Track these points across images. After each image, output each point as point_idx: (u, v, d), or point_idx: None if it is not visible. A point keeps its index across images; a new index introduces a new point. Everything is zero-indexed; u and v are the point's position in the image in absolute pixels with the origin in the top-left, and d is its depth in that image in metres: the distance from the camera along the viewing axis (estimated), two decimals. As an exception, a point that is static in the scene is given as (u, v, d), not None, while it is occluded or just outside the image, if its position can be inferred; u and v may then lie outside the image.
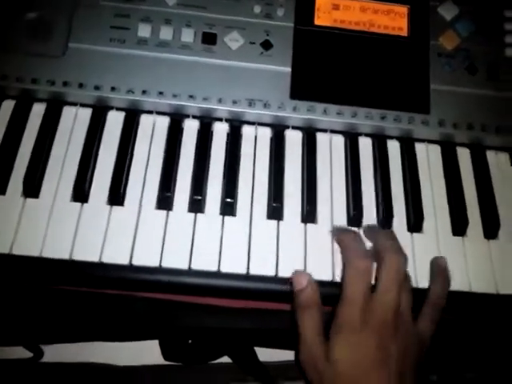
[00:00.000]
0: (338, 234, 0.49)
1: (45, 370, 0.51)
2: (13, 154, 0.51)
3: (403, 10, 0.59)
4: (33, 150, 0.51)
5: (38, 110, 0.54)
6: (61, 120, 0.54)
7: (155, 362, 0.52)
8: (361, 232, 0.49)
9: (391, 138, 0.56)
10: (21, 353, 0.51)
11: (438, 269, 0.48)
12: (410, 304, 0.45)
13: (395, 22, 0.59)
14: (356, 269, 0.44)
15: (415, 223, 0.51)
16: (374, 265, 0.45)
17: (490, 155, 0.57)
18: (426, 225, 0.52)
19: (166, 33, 0.56)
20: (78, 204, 0.49)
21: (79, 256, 0.47)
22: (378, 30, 0.59)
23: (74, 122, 0.54)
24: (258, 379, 0.51)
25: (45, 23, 0.55)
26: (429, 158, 0.56)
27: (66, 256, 0.47)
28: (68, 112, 0.54)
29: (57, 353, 0.51)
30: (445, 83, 0.57)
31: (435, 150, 0.56)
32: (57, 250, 0.47)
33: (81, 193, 0.50)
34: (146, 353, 0.51)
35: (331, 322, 0.44)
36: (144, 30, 0.56)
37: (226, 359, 0.53)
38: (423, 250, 0.50)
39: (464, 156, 0.56)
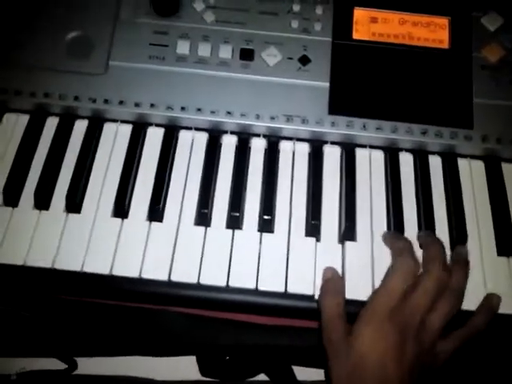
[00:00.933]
0: (390, 236, 0.49)
1: (79, 382, 0.52)
2: (56, 171, 0.52)
3: (444, 21, 0.58)
4: (75, 166, 0.52)
5: (80, 127, 0.55)
6: (102, 136, 0.55)
7: (192, 378, 0.52)
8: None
9: (433, 153, 0.55)
10: (55, 364, 0.52)
11: (489, 304, 0.47)
12: (445, 319, 0.45)
13: (435, 34, 0.58)
14: (404, 264, 0.45)
15: (458, 242, 0.50)
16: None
17: (538, 171, 0.55)
18: (469, 244, 0.50)
19: (204, 49, 0.56)
20: (119, 220, 0.50)
21: (119, 271, 0.48)
22: (418, 42, 0.58)
23: (115, 138, 0.55)
24: (296, 398, 0.51)
25: (86, 42, 0.57)
26: (472, 174, 0.54)
27: (106, 271, 0.48)
28: (109, 128, 0.55)
29: (94, 366, 0.52)
30: (488, 97, 0.55)
31: (479, 166, 0.55)
32: (97, 265, 0.48)
33: (121, 209, 0.50)
34: (184, 368, 0.51)
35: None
36: (183, 47, 0.56)
37: (263, 377, 0.52)
38: (466, 270, 0.49)
39: (509, 171, 0.54)
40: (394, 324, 0.43)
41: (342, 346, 0.43)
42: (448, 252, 0.49)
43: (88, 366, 0.52)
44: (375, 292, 0.45)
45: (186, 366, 0.51)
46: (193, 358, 0.52)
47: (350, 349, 0.43)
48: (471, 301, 0.47)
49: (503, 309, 0.47)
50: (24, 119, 0.55)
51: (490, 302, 0.47)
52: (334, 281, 0.47)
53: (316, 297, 0.47)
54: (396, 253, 0.47)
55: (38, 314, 0.51)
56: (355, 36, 0.58)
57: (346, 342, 0.43)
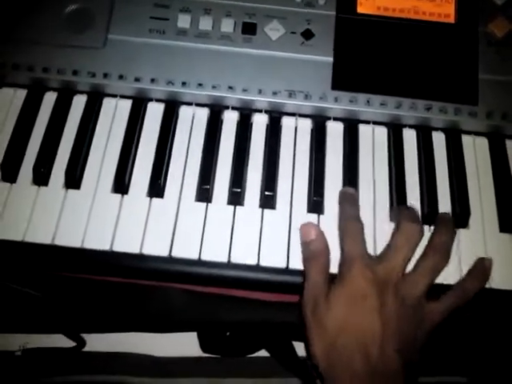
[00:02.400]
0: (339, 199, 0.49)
1: (85, 359, 0.52)
2: (55, 146, 0.52)
3: (450, -5, 0.57)
4: (74, 141, 0.52)
5: (79, 102, 0.54)
6: (101, 112, 0.54)
7: (193, 354, 0.52)
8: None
9: (436, 129, 0.54)
10: (64, 342, 0.52)
11: (482, 267, 0.47)
12: (428, 275, 0.45)
13: (441, 8, 0.57)
14: (348, 228, 0.46)
15: (461, 218, 0.49)
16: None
17: (542, 148, 0.54)
18: (472, 220, 0.50)
19: (205, 23, 0.55)
20: (119, 195, 0.49)
21: (120, 247, 0.47)
22: (424, 17, 0.56)
23: (115, 113, 0.54)
24: (296, 374, 0.51)
25: (85, 15, 0.56)
26: (476, 150, 0.54)
27: (106, 247, 0.47)
28: (108, 104, 0.54)
29: (97, 343, 0.52)
30: (494, 73, 0.54)
31: (483, 143, 0.54)
32: (98, 241, 0.47)
33: (121, 184, 0.50)
34: (185, 344, 0.52)
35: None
36: (184, 21, 0.55)
37: (263, 353, 0.53)
38: (469, 247, 0.49)
39: (513, 149, 0.54)
40: (369, 283, 0.43)
41: (320, 312, 0.43)
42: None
43: (89, 343, 0.52)
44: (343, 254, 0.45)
45: (188, 342, 0.51)
46: (194, 335, 0.52)
47: (327, 314, 0.42)
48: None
49: (506, 285, 0.47)
50: (22, 94, 0.54)
51: (482, 264, 0.47)
52: (317, 244, 0.45)
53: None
54: (342, 215, 0.47)
55: (39, 291, 0.50)
56: (359, 10, 0.57)
57: (324, 308, 0.43)
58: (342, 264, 0.45)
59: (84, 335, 0.52)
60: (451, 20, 0.56)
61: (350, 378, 0.41)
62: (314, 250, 0.45)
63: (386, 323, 0.42)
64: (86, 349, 0.52)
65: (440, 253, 0.46)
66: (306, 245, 0.46)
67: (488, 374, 0.53)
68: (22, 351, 0.53)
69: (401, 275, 0.44)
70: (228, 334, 0.53)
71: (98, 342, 0.52)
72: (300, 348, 0.51)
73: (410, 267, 0.46)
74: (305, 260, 0.45)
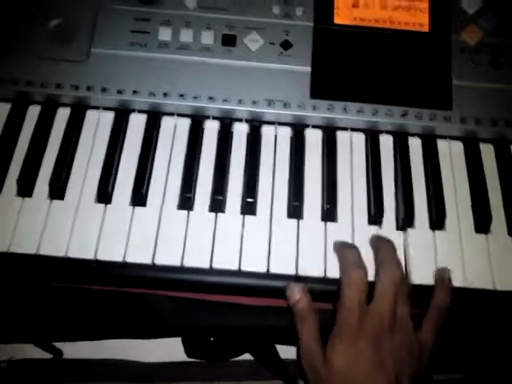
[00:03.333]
0: (337, 247, 0.49)
1: (68, 367, 0.52)
2: (39, 158, 0.52)
3: (424, 5, 0.59)
4: (58, 153, 0.53)
5: (62, 115, 0.55)
6: (84, 123, 0.55)
7: (178, 359, 0.52)
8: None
9: (413, 135, 0.56)
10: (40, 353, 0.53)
11: (441, 279, 0.48)
12: (409, 313, 0.45)
13: (416, 17, 0.59)
14: (350, 278, 0.45)
15: (437, 220, 0.51)
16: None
17: (515, 151, 0.55)
18: (448, 222, 0.51)
19: (186, 36, 0.56)
20: (102, 205, 0.50)
21: (104, 256, 0.48)
22: (399, 26, 0.58)
23: (98, 125, 0.55)
24: (279, 376, 0.52)
25: (67, 29, 0.57)
26: (451, 154, 0.55)
27: (90, 256, 0.48)
28: (91, 115, 0.55)
29: (80, 351, 0.52)
30: (468, 79, 0.56)
31: (458, 147, 0.55)
32: (82, 250, 0.48)
33: (105, 194, 0.51)
34: (170, 350, 0.52)
35: (331, 323, 0.45)
36: (164, 34, 0.56)
37: (247, 356, 0.53)
38: (445, 248, 0.50)
39: (487, 152, 0.55)
40: (365, 336, 0.43)
41: (323, 371, 0.43)
42: (428, 233, 0.50)
43: (74, 350, 0.52)
44: (337, 312, 0.45)
45: (172, 347, 0.52)
46: (178, 340, 0.52)
47: (329, 373, 0.43)
48: (453, 277, 0.48)
49: (480, 284, 0.48)
50: (6, 107, 0.55)
51: (442, 275, 0.48)
52: (302, 305, 0.46)
53: (300, 273, 0.48)
54: (343, 265, 0.47)
55: (24, 301, 0.51)
56: (336, 20, 0.58)
57: (323, 367, 0.43)
58: (340, 312, 0.45)
59: (70, 344, 0.52)
60: (425, 29, 0.58)
61: None
62: (300, 310, 0.46)
63: (389, 372, 0.42)
64: (72, 356, 0.52)
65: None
66: (292, 307, 0.46)
67: (484, 370, 0.54)
68: (8, 363, 0.53)
69: (391, 320, 0.44)
70: (212, 338, 0.53)
71: (85, 350, 0.52)
72: (282, 351, 0.52)
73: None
74: (295, 321, 0.46)
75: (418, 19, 0.59)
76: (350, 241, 0.49)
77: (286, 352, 0.52)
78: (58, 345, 0.54)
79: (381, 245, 0.48)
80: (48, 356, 0.52)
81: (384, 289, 0.45)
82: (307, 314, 0.45)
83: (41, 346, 0.52)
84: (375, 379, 0.42)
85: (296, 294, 0.46)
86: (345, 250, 0.48)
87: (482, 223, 0.51)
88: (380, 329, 0.44)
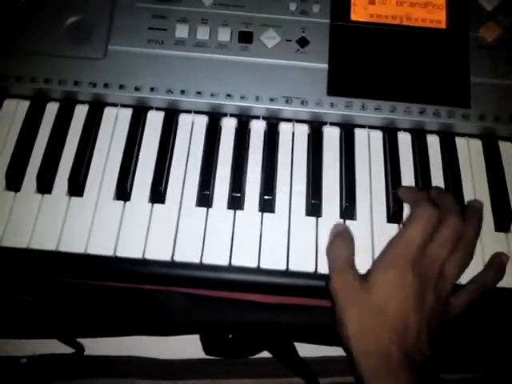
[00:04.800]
0: (406, 189, 0.50)
1: (90, 363, 0.53)
2: (58, 155, 0.53)
3: (441, 1, 0.58)
4: (76, 150, 0.53)
5: (80, 112, 0.55)
6: (102, 121, 0.55)
7: (196, 357, 0.52)
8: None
9: (431, 132, 0.55)
10: (64, 348, 0.53)
11: (498, 261, 0.48)
12: (459, 270, 0.46)
13: (433, 14, 0.58)
14: (424, 213, 0.45)
15: (457, 219, 0.50)
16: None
17: (535, 148, 0.55)
18: (467, 220, 0.51)
19: (203, 33, 0.56)
20: (121, 202, 0.50)
21: (123, 253, 0.48)
22: (416, 23, 0.58)
23: (115, 122, 0.55)
24: (298, 374, 0.52)
25: (85, 27, 0.57)
26: (470, 152, 0.55)
27: (109, 253, 0.48)
28: (109, 113, 0.55)
29: (99, 347, 0.52)
30: (486, 76, 0.55)
31: (476, 145, 0.55)
32: (101, 247, 0.48)
33: (123, 191, 0.51)
34: (188, 347, 0.52)
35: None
36: (181, 31, 0.56)
37: (266, 354, 0.53)
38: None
39: (506, 149, 0.55)
40: (415, 273, 0.43)
41: (356, 294, 0.43)
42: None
43: (94, 347, 0.53)
44: (393, 240, 0.45)
45: (190, 345, 0.52)
46: (196, 337, 0.52)
47: (365, 295, 0.43)
48: (470, 275, 0.48)
49: (502, 283, 0.48)
50: (24, 105, 0.55)
51: (498, 258, 0.48)
52: (343, 228, 0.47)
53: (319, 271, 0.47)
54: (415, 202, 0.47)
55: (43, 297, 0.51)
56: (353, 17, 0.58)
57: (360, 289, 0.43)
58: (397, 242, 0.45)
59: (90, 340, 0.52)
60: (443, 26, 0.58)
61: (385, 363, 0.41)
62: (340, 231, 0.47)
63: (423, 315, 0.42)
64: (92, 353, 0.53)
65: (470, 247, 0.47)
66: (332, 231, 0.48)
67: (502, 370, 0.54)
68: (28, 358, 0.53)
69: (439, 267, 0.44)
70: (230, 336, 0.53)
71: (104, 346, 0.52)
72: (301, 348, 0.52)
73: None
74: (330, 247, 0.47)
75: (435, 16, 0.58)
76: (368, 238, 0.49)
77: (305, 350, 0.52)
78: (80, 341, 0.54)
79: (443, 194, 0.48)
80: (70, 351, 0.53)
81: (446, 234, 0.45)
82: (345, 235, 0.47)
83: (64, 341, 0.52)
84: (409, 317, 0.42)
85: (339, 227, 0.48)
86: (415, 191, 0.49)
87: (502, 222, 0.51)
88: (431, 272, 0.44)
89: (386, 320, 0.42)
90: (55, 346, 0.53)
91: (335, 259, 0.45)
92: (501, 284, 0.48)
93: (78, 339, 0.53)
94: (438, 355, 0.45)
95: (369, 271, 0.45)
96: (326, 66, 0.56)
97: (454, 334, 0.47)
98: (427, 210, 0.45)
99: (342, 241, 0.47)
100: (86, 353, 0.53)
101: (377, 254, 0.48)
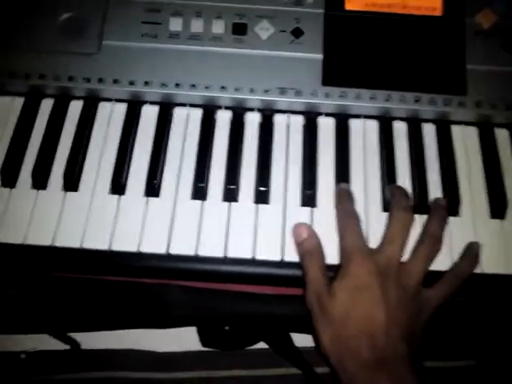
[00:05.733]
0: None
1: (87, 357, 0.53)
2: (53, 151, 0.53)
3: (436, -11, 0.58)
4: (71, 145, 0.53)
5: (75, 107, 0.55)
6: (97, 116, 0.55)
7: (194, 349, 0.53)
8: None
9: (427, 121, 0.55)
10: (61, 345, 0.53)
11: (471, 251, 0.48)
12: (425, 262, 0.46)
13: (429, 1, 0.58)
14: (347, 224, 0.47)
15: (452, 206, 0.50)
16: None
17: (531, 135, 0.55)
18: (463, 208, 0.51)
19: (196, 25, 0.56)
20: (116, 196, 0.51)
21: (118, 246, 0.48)
22: (411, 11, 0.57)
23: (110, 117, 0.55)
24: (294, 364, 0.52)
25: (79, 22, 0.57)
26: (466, 140, 0.54)
27: (105, 247, 0.48)
28: (104, 108, 0.55)
29: (95, 341, 0.53)
30: (482, 63, 0.55)
31: (472, 132, 0.55)
32: (96, 241, 0.48)
33: (118, 185, 0.51)
34: (185, 339, 0.53)
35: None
36: (175, 24, 0.56)
37: (262, 345, 0.53)
38: (460, 234, 0.49)
39: (503, 137, 0.55)
40: (372, 273, 0.44)
41: (325, 303, 0.44)
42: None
43: (90, 341, 0.53)
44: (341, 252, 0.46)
45: (188, 337, 0.52)
46: (194, 329, 0.53)
47: (331, 303, 0.43)
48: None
49: (496, 269, 0.48)
50: (19, 102, 0.55)
51: (471, 248, 0.48)
52: (310, 242, 0.47)
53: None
54: (340, 214, 0.49)
55: (40, 293, 0.51)
56: (347, 7, 0.57)
57: (328, 298, 0.44)
58: (343, 257, 0.46)
59: (85, 334, 0.53)
60: (438, 13, 0.57)
61: (359, 366, 0.42)
62: (308, 247, 0.47)
63: (389, 311, 0.43)
64: (88, 346, 0.53)
65: (435, 239, 0.47)
66: (300, 244, 0.47)
67: (496, 356, 0.54)
68: (26, 354, 0.54)
69: (399, 264, 0.45)
70: (227, 328, 0.53)
71: (99, 340, 0.53)
72: (297, 338, 0.52)
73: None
74: (301, 258, 0.47)
75: (431, 3, 0.58)
76: (364, 227, 0.49)
77: (301, 339, 0.52)
78: (75, 336, 0.54)
79: (395, 191, 0.49)
80: (65, 347, 0.53)
81: (394, 230, 0.46)
82: (315, 249, 0.46)
83: (57, 337, 0.53)
84: (373, 317, 0.43)
85: (303, 231, 0.47)
86: (342, 201, 0.49)
87: (498, 209, 0.50)
88: (389, 269, 0.44)
89: (351, 324, 0.43)
90: (54, 342, 0.53)
91: (309, 271, 0.46)
92: (492, 270, 0.47)
93: (73, 333, 0.53)
94: (421, 347, 0.44)
95: (334, 280, 0.45)
96: (320, 56, 0.55)
97: (446, 322, 0.46)
98: (352, 220, 0.47)
99: (311, 250, 0.47)
100: (83, 347, 0.53)
101: (372, 240, 0.48)
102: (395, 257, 0.45)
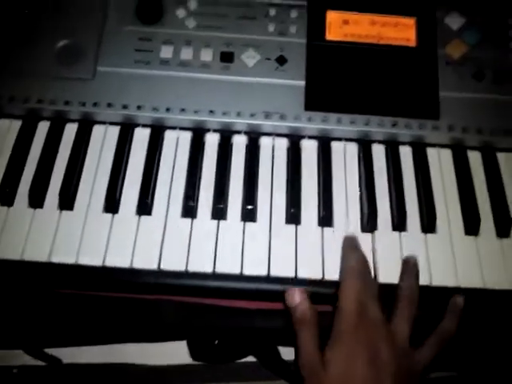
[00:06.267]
0: (345, 247, 0.51)
1: (80, 371, 0.54)
2: (49, 171, 0.55)
3: (410, 21, 0.62)
4: (67, 166, 0.55)
5: (70, 130, 0.58)
6: (92, 137, 0.58)
7: (184, 362, 0.54)
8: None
9: (404, 143, 0.59)
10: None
11: (454, 306, 0.49)
12: (408, 321, 0.46)
13: (403, 33, 0.62)
14: (346, 285, 0.47)
15: (428, 223, 0.53)
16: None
17: (501, 157, 0.58)
18: (439, 226, 0.54)
19: (186, 53, 0.59)
20: (110, 215, 0.53)
21: (111, 262, 0.50)
22: (387, 41, 0.61)
23: (104, 139, 0.58)
24: (282, 377, 0.54)
25: (75, 49, 0.60)
26: (440, 161, 0.58)
27: (99, 263, 0.50)
28: (98, 130, 0.58)
29: (87, 355, 0.54)
30: (453, 90, 0.59)
31: (447, 154, 0.58)
32: (90, 257, 0.51)
33: (112, 204, 0.53)
34: (175, 352, 0.54)
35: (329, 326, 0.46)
36: (166, 52, 0.59)
37: (251, 358, 0.55)
38: (437, 250, 0.52)
39: (475, 159, 0.58)
40: (361, 342, 0.44)
41: (321, 375, 0.43)
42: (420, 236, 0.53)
43: (80, 354, 0.54)
44: (335, 315, 0.46)
45: (177, 350, 0.54)
46: (183, 343, 0.54)
47: (325, 375, 0.43)
48: (445, 277, 0.51)
49: (471, 284, 0.50)
50: (17, 124, 0.58)
51: (454, 303, 0.49)
52: (302, 308, 0.46)
53: (299, 276, 0.50)
54: (343, 270, 0.49)
55: (36, 307, 0.53)
56: (328, 37, 0.61)
57: (321, 368, 0.43)
58: (337, 317, 0.46)
59: (79, 348, 0.54)
60: (412, 44, 0.61)
61: None
62: (301, 315, 0.46)
63: (383, 380, 0.43)
64: (83, 361, 0.54)
65: (411, 299, 0.48)
66: (292, 309, 0.47)
67: (477, 367, 0.56)
68: (18, 369, 0.55)
69: (387, 328, 0.45)
70: (216, 341, 0.55)
71: (90, 354, 0.54)
72: (284, 351, 0.54)
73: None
74: (293, 323, 0.46)
75: (406, 35, 0.62)
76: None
77: (288, 352, 0.54)
78: (64, 350, 0.56)
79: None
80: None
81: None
82: (306, 318, 0.46)
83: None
84: (368, 381, 0.43)
85: (296, 297, 0.47)
86: (347, 254, 0.50)
87: (472, 225, 0.53)
88: (375, 340, 0.44)
89: None
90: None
91: (302, 343, 0.45)
92: (467, 285, 0.50)
93: (63, 348, 0.54)
94: None
95: (324, 350, 0.45)
96: (303, 82, 0.59)
97: (427, 334, 0.49)
98: (351, 281, 0.47)
99: (304, 320, 0.46)
100: (73, 361, 0.54)
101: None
102: (379, 321, 0.45)
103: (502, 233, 0.53)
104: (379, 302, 0.46)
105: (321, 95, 0.59)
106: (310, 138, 0.58)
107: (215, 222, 0.53)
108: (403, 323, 0.47)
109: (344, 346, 0.44)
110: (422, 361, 0.46)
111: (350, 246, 0.50)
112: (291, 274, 0.50)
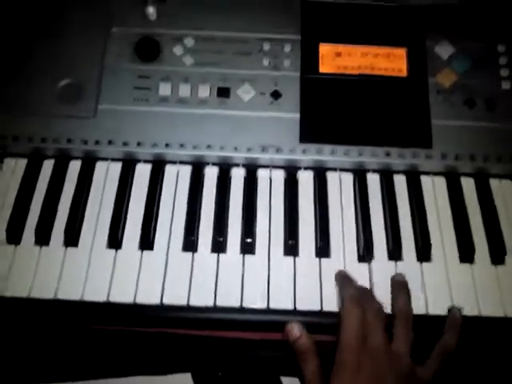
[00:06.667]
0: (341, 280, 0.52)
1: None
2: (54, 209, 0.57)
3: (401, 52, 0.64)
4: (71, 204, 0.57)
5: (74, 167, 0.60)
6: (94, 174, 0.59)
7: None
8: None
9: (398, 172, 0.60)
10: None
11: (453, 320, 0.50)
12: (408, 342, 0.48)
13: (395, 63, 0.64)
14: (347, 317, 0.48)
15: (423, 252, 0.54)
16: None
17: (494, 183, 0.60)
18: (434, 254, 0.55)
19: (184, 90, 0.61)
20: (113, 250, 0.55)
21: (115, 298, 0.52)
22: (379, 72, 0.63)
23: (106, 175, 0.59)
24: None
25: (76, 88, 0.62)
26: (435, 189, 0.59)
27: (103, 299, 0.52)
28: (100, 167, 0.60)
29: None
30: (445, 118, 0.60)
31: (440, 181, 0.60)
32: (95, 293, 0.52)
33: (115, 240, 0.55)
34: (180, 385, 0.55)
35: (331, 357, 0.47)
36: (165, 89, 0.61)
37: (253, 388, 0.56)
38: (433, 278, 0.53)
39: (469, 185, 0.59)
40: (364, 372, 0.45)
41: None
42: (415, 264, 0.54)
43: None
44: (337, 348, 0.47)
45: (183, 382, 0.55)
46: (188, 375, 0.56)
47: None
48: (439, 305, 0.52)
49: (467, 312, 0.51)
50: (22, 163, 0.60)
51: (453, 317, 0.50)
52: (303, 341, 0.48)
53: (298, 308, 0.51)
54: (342, 302, 0.49)
55: (42, 343, 0.55)
56: (322, 70, 0.63)
57: None
58: (338, 350, 0.47)
59: (86, 382, 0.56)
60: (404, 74, 0.63)
61: None
62: (302, 348, 0.48)
63: None
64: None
65: (406, 320, 0.49)
66: (293, 343, 0.49)
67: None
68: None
69: (388, 351, 0.46)
70: (220, 373, 0.57)
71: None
72: (286, 381, 0.56)
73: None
74: (296, 356, 0.48)
75: (397, 65, 0.64)
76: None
77: (290, 382, 0.55)
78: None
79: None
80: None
81: (377, 328, 0.47)
82: (307, 350, 0.48)
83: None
84: None
85: (296, 331, 0.49)
86: (344, 283, 0.51)
87: (466, 253, 0.55)
88: (378, 366, 0.45)
89: None
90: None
91: (305, 372, 0.47)
92: (471, 313, 0.51)
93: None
94: None
95: (329, 380, 0.46)
96: (298, 115, 0.60)
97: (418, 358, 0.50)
98: (355, 312, 0.47)
99: (307, 351, 0.48)
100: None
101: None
102: (380, 348, 0.46)
103: (496, 260, 0.55)
104: (382, 324, 0.48)
105: (315, 127, 0.60)
106: (306, 168, 0.60)
107: (215, 255, 0.54)
108: (404, 344, 0.48)
109: (347, 375, 0.45)
110: (425, 377, 0.48)
111: (344, 276, 0.52)
112: (290, 307, 0.51)
